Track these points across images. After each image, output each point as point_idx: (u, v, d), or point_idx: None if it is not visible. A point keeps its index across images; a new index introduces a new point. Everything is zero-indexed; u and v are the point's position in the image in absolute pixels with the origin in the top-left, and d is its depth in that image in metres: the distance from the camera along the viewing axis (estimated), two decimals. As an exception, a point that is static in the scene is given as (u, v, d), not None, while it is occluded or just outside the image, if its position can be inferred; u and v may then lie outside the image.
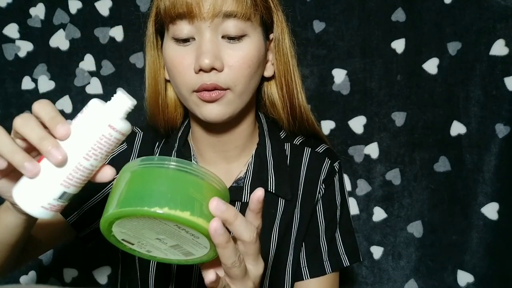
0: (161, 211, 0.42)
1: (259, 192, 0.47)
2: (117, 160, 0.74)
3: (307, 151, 0.76)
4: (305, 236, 0.74)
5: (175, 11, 0.62)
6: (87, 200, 0.73)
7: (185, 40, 0.64)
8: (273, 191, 0.71)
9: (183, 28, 0.63)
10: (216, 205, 0.44)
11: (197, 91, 0.64)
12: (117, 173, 0.49)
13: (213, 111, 0.64)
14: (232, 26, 0.62)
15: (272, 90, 0.74)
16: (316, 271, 0.73)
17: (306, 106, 0.75)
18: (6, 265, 0.62)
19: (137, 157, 0.72)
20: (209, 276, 0.47)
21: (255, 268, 0.50)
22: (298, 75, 0.73)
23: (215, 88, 0.63)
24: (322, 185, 0.75)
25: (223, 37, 0.63)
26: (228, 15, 0.61)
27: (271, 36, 0.71)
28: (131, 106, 0.47)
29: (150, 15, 0.70)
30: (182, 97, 0.67)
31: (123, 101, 0.47)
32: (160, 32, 0.70)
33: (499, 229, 1.02)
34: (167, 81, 0.72)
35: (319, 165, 0.75)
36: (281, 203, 0.72)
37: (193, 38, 0.63)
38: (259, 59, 0.66)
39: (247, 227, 0.46)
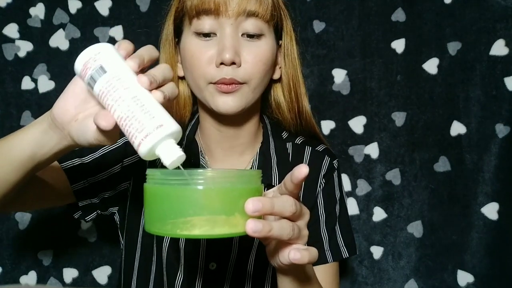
0: (201, 232, 0.44)
1: (305, 169, 0.49)
2: (132, 166, 0.77)
3: (308, 149, 0.81)
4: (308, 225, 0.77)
5: (203, 7, 0.66)
6: (95, 174, 0.75)
7: (207, 35, 0.68)
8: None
9: (206, 23, 0.67)
10: (252, 207, 0.45)
11: (215, 83, 0.68)
12: None
13: (228, 103, 0.68)
14: (252, 25, 0.68)
15: (278, 93, 0.79)
16: (319, 260, 0.75)
17: (309, 109, 0.80)
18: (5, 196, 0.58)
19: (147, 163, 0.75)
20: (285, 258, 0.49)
21: (302, 221, 0.52)
22: (302, 80, 0.78)
23: (232, 83, 0.67)
24: (322, 180, 0.79)
25: (242, 34, 0.68)
26: (250, 14, 0.67)
27: (280, 42, 0.76)
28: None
29: (170, 13, 0.74)
30: (198, 88, 0.71)
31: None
32: (178, 29, 0.73)
33: (499, 229, 1.02)
34: (179, 78, 0.77)
35: (319, 162, 0.80)
36: None
37: (214, 34, 0.68)
38: (272, 59, 0.72)
39: (285, 206, 0.48)
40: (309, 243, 0.76)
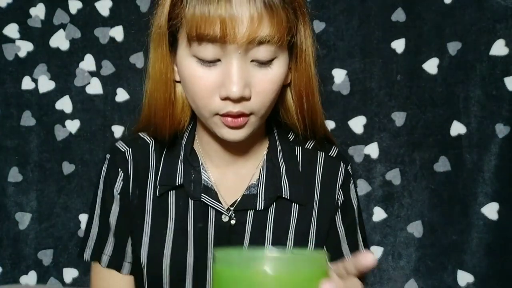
0: None
1: (372, 259, 0.44)
2: (123, 194, 0.71)
3: (321, 156, 0.73)
4: (326, 242, 0.72)
5: (206, 32, 0.55)
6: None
7: (210, 62, 0.58)
8: (288, 197, 0.69)
9: (208, 50, 0.56)
10: None
11: (221, 115, 0.60)
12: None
13: (235, 135, 0.61)
14: (264, 51, 0.57)
15: (287, 96, 0.70)
16: None
17: (322, 113, 0.71)
18: None
19: (134, 185, 0.70)
20: None
21: None
22: (316, 83, 0.69)
23: (240, 115, 0.59)
24: (339, 191, 0.73)
25: (252, 61, 0.58)
26: (262, 42, 0.56)
27: (292, 40, 0.63)
28: None
29: (161, 10, 0.61)
30: (202, 116, 0.63)
31: None
32: (173, 34, 0.61)
33: (499, 229, 1.02)
34: (176, 82, 0.67)
35: (335, 170, 0.73)
36: (295, 209, 0.71)
37: (218, 59, 0.57)
38: (284, 76, 0.62)
39: None
40: (331, 259, 0.73)
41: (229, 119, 0.59)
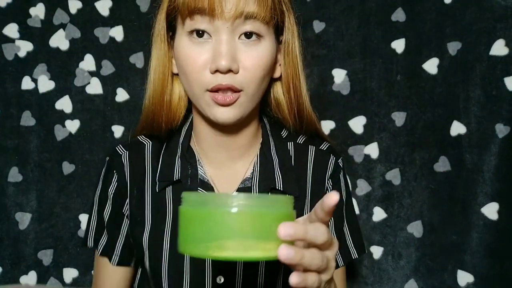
0: (233, 254, 0.44)
1: (336, 197, 0.47)
2: (116, 196, 0.76)
3: (311, 149, 0.78)
4: None
5: (196, 5, 0.62)
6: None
7: (201, 35, 0.64)
8: (281, 189, 0.73)
9: (200, 23, 0.63)
10: (284, 232, 0.43)
11: (211, 90, 0.64)
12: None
13: (225, 113, 0.65)
14: (250, 28, 0.64)
15: (278, 91, 0.75)
16: None
17: (310, 107, 0.76)
18: None
19: (132, 186, 0.75)
20: (293, 279, 0.45)
21: (332, 251, 0.50)
22: (304, 78, 0.74)
23: (229, 89, 0.64)
24: (329, 181, 0.77)
25: (239, 38, 0.64)
26: (248, 17, 0.63)
27: (281, 38, 0.72)
28: None
29: (162, 8, 0.70)
30: (194, 95, 0.67)
31: None
32: (171, 26, 0.69)
33: (499, 229, 1.02)
34: (174, 74, 0.72)
35: (325, 162, 0.77)
36: None
37: (209, 35, 0.64)
38: (272, 62, 0.68)
39: (317, 234, 0.46)
40: None
41: (219, 96, 0.64)
